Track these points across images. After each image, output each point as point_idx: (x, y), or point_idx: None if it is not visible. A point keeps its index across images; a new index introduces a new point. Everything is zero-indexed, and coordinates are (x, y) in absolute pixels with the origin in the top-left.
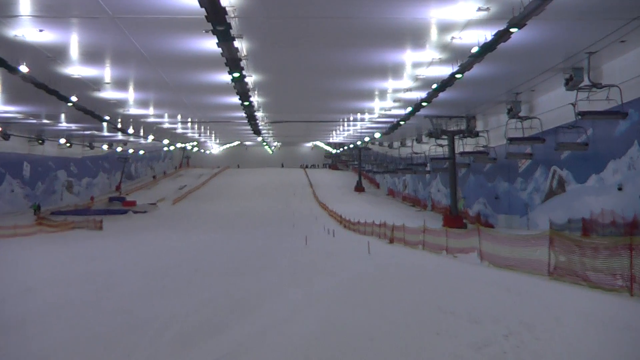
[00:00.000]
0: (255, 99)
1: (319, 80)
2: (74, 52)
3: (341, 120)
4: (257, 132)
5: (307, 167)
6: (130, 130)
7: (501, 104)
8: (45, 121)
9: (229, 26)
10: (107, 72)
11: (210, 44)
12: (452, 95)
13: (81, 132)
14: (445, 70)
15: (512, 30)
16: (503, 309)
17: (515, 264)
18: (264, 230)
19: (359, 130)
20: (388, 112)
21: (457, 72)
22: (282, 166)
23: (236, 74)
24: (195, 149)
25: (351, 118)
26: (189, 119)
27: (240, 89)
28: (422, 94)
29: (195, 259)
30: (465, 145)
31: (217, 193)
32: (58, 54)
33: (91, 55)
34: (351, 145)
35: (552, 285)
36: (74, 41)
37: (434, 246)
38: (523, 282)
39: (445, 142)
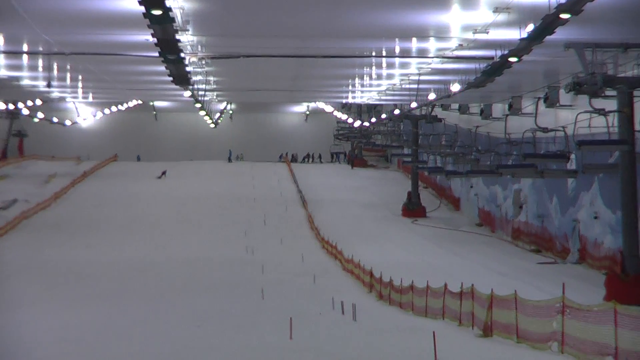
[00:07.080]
0: (179, 4)
1: None
2: None
3: (372, 55)
4: (183, 79)
5: (294, 159)
6: None
7: None
8: None
9: None
10: None
11: None
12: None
13: None
14: None
15: None
16: None
17: None
18: (196, 305)
19: (413, 79)
20: (480, 37)
21: None
22: (237, 158)
23: None
24: (40, 115)
25: (396, 51)
26: (25, 47)
27: None
28: None
29: None
30: None
31: (89, 218)
32: None
33: None
34: (395, 112)
35: None
36: None
37: (586, 347)
38: None
39: (611, 106)
